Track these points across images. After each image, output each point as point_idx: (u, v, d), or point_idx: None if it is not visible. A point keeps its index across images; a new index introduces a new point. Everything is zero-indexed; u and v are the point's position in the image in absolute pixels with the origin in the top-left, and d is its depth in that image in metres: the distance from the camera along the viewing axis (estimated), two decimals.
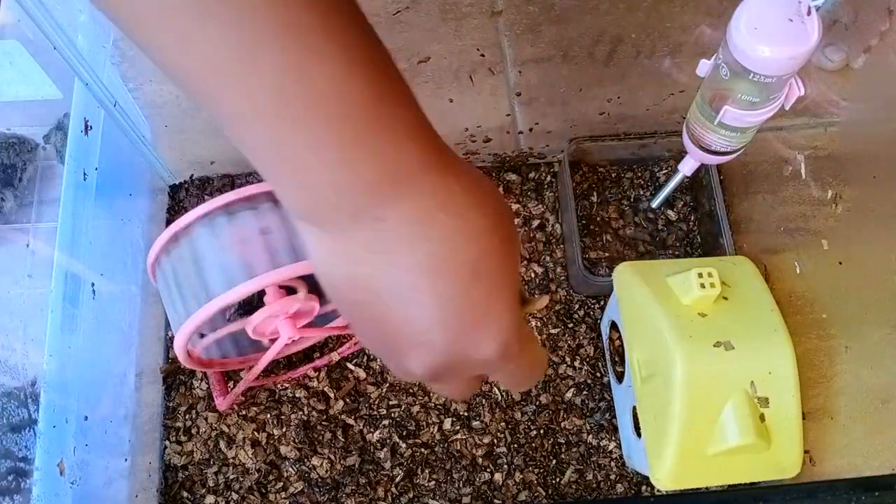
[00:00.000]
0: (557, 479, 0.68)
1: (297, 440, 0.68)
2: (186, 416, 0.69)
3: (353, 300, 0.29)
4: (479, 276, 0.28)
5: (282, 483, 0.68)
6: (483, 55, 0.63)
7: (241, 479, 0.67)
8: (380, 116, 0.25)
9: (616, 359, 0.69)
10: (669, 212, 0.77)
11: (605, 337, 0.71)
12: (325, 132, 0.24)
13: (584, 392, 0.71)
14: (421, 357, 0.29)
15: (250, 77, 0.22)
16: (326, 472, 0.68)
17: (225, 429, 0.69)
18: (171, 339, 0.67)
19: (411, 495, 0.68)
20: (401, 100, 0.26)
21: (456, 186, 0.27)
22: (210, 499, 0.67)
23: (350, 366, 0.71)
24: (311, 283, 0.56)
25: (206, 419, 0.69)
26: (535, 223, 0.77)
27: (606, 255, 0.75)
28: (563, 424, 0.70)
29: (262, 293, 0.55)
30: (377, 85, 0.25)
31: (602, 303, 0.74)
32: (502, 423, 0.70)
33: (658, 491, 0.58)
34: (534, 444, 0.69)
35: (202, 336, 0.59)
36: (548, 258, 0.76)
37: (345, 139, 0.24)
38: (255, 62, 0.22)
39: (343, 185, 0.25)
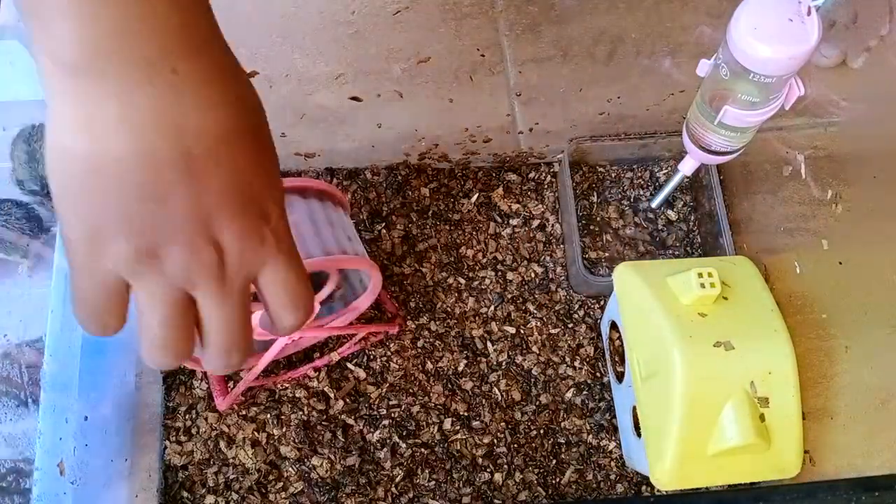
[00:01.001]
0: (557, 479, 0.68)
1: (297, 440, 0.68)
2: (186, 416, 0.69)
3: (122, 181, 0.26)
4: (262, 148, 0.29)
5: (282, 483, 0.68)
6: (483, 55, 0.63)
7: (241, 479, 0.67)
8: None
9: (616, 359, 0.69)
10: (669, 212, 0.77)
11: (605, 337, 0.71)
12: None
13: (584, 392, 0.71)
14: (214, 229, 0.28)
15: None
16: (326, 472, 0.68)
17: (225, 429, 0.69)
18: None
19: (411, 495, 0.68)
20: None
21: (231, 58, 0.29)
22: (210, 499, 0.67)
23: (350, 366, 0.71)
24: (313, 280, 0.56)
25: (206, 419, 0.69)
26: (535, 223, 0.77)
27: (606, 255, 0.75)
28: (563, 424, 0.70)
29: None
30: None
31: (602, 303, 0.74)
32: (502, 423, 0.70)
33: (658, 491, 0.58)
34: (534, 444, 0.69)
35: None
36: (548, 258, 0.76)
37: None
38: None
39: (148, 22, 0.24)
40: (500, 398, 0.71)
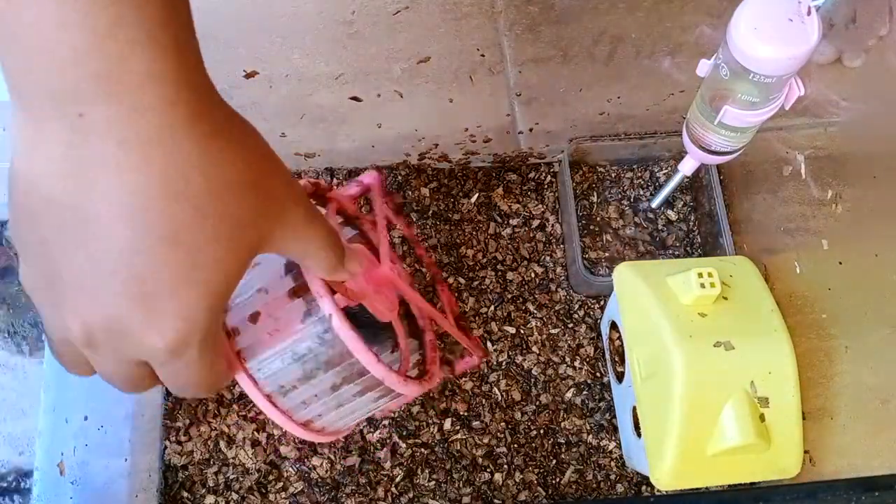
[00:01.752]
0: (557, 479, 0.68)
1: (296, 440, 0.68)
2: (186, 416, 0.69)
3: (32, 208, 0.23)
4: (194, 234, 0.23)
5: (282, 483, 0.68)
6: (483, 55, 0.63)
7: (241, 479, 0.68)
8: (129, 5, 0.21)
9: (616, 359, 0.69)
10: (669, 212, 0.77)
11: (605, 337, 0.71)
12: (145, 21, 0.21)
13: (584, 392, 0.71)
14: (84, 308, 0.24)
15: None
16: (326, 472, 0.68)
17: (225, 429, 0.69)
18: None
19: (411, 495, 0.68)
20: (171, 11, 0.22)
21: (204, 122, 0.23)
22: (210, 499, 0.67)
23: None
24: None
25: (206, 419, 0.69)
26: (535, 223, 0.77)
27: (606, 255, 0.75)
28: (563, 424, 0.70)
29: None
30: None
31: (602, 303, 0.74)
32: (502, 423, 0.70)
33: (658, 491, 0.58)
34: (534, 444, 0.69)
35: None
36: (548, 258, 0.76)
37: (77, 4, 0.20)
38: None
39: (57, 56, 0.21)
40: (500, 398, 0.71)
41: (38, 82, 0.21)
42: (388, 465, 0.68)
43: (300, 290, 0.41)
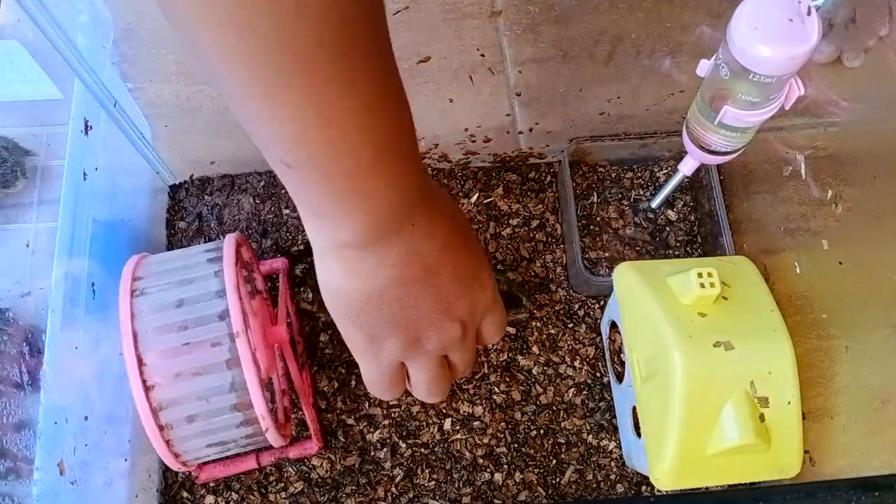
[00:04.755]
0: (557, 479, 0.68)
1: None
2: None
3: (383, 301, 0.36)
4: (472, 253, 0.39)
5: (282, 483, 0.68)
6: (483, 55, 0.63)
7: (241, 478, 0.67)
8: (413, 140, 0.33)
9: (616, 359, 0.69)
10: (669, 212, 0.77)
11: (605, 337, 0.71)
12: (395, 162, 0.31)
13: (584, 392, 0.71)
14: (447, 321, 0.38)
15: (327, 129, 0.28)
16: (326, 472, 0.68)
17: None
18: None
19: (411, 495, 0.68)
20: (413, 134, 0.33)
21: (440, 196, 0.37)
22: (210, 499, 0.67)
23: (350, 365, 0.71)
24: None
25: None
26: (535, 223, 0.77)
27: (606, 255, 0.75)
28: (563, 424, 0.70)
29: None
30: (408, 112, 0.32)
31: (602, 303, 0.74)
32: (502, 424, 0.70)
33: (658, 491, 0.58)
34: (534, 445, 0.69)
35: None
36: (548, 258, 0.76)
37: (402, 167, 0.32)
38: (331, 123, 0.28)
39: (399, 203, 0.33)
40: (500, 398, 0.71)
41: (389, 227, 0.34)
42: (388, 465, 0.68)
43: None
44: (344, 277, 0.35)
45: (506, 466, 0.69)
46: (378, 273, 0.35)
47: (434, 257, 0.36)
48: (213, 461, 0.65)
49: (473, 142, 0.75)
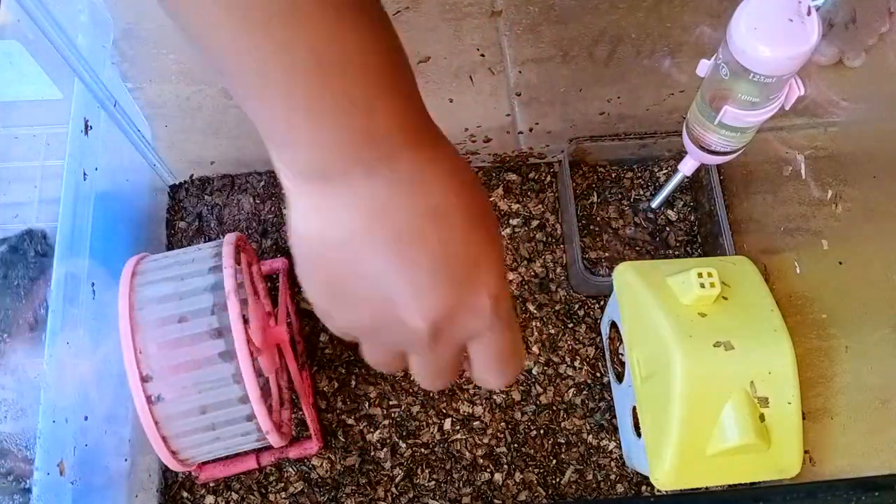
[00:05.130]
0: (557, 479, 0.68)
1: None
2: None
3: (345, 260, 0.29)
4: (476, 222, 0.30)
5: (282, 483, 0.68)
6: (483, 55, 0.63)
7: (241, 478, 0.67)
8: (398, 79, 0.28)
9: (616, 359, 0.69)
10: (669, 212, 0.77)
11: (605, 337, 0.71)
12: (357, 87, 0.26)
13: (584, 392, 0.71)
14: (424, 305, 0.29)
15: (295, 42, 0.25)
16: (326, 472, 0.68)
17: None
18: None
19: (411, 495, 0.68)
20: (408, 70, 0.29)
21: (446, 147, 0.30)
22: (210, 499, 0.67)
23: (350, 365, 0.71)
24: None
25: None
26: (535, 223, 0.77)
27: (606, 255, 0.75)
28: (563, 424, 0.70)
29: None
30: (397, 52, 0.28)
31: (602, 303, 0.74)
32: (502, 423, 0.70)
33: (658, 491, 0.58)
34: (534, 444, 0.69)
35: None
36: (548, 258, 0.76)
37: (369, 93, 0.27)
38: (298, 31, 0.25)
39: (365, 133, 0.27)
40: (500, 398, 0.71)
41: (356, 159, 0.28)
42: (388, 465, 0.68)
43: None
44: (304, 216, 0.30)
45: (506, 466, 0.69)
46: (340, 217, 0.29)
47: (414, 223, 0.29)
48: (213, 461, 0.65)
49: (473, 142, 0.75)
